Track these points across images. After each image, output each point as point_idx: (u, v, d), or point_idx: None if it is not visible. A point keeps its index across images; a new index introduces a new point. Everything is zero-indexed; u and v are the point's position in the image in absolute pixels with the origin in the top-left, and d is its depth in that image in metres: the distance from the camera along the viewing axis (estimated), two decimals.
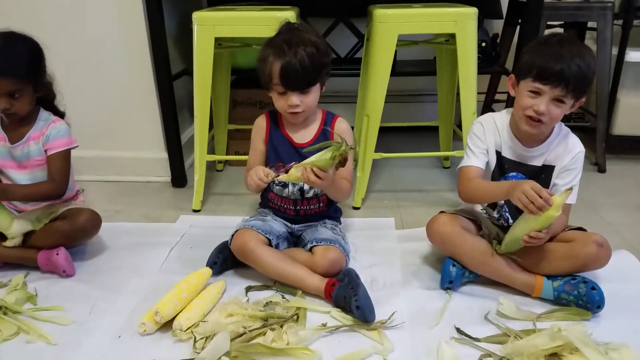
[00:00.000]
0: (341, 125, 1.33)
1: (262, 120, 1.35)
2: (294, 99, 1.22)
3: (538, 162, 1.22)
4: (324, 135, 1.31)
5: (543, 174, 1.22)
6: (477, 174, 1.23)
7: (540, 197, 1.04)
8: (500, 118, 1.26)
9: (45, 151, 1.33)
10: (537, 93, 1.12)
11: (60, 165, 1.33)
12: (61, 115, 1.40)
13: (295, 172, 1.17)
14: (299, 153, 1.29)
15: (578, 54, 1.09)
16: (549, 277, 1.18)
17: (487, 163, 1.25)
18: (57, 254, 1.29)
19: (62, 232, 1.30)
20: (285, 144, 1.32)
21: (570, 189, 1.09)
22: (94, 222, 1.36)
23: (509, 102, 2.13)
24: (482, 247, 1.21)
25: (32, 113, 1.33)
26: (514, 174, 1.23)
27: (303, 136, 1.32)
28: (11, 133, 1.33)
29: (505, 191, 1.13)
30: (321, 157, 1.14)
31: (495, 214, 1.29)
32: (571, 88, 1.10)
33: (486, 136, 1.25)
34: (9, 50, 1.23)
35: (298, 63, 1.17)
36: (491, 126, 1.25)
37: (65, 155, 1.35)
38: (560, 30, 2.09)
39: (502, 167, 1.24)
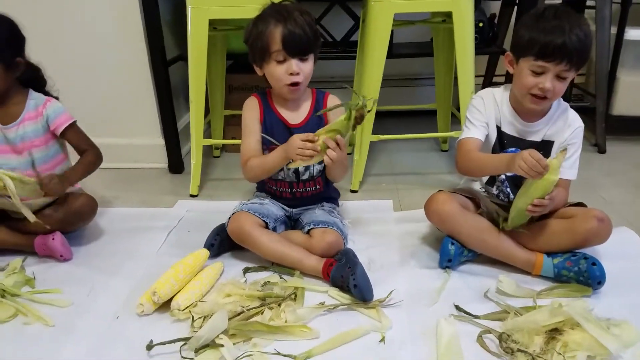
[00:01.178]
0: (334, 100, 1.31)
1: (253, 100, 1.31)
2: (295, 65, 1.19)
3: (537, 138, 1.21)
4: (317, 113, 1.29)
5: (542, 150, 1.20)
6: (476, 146, 1.21)
7: (539, 163, 1.04)
8: (500, 93, 1.24)
9: (53, 131, 1.33)
10: (540, 71, 1.11)
11: (81, 135, 1.38)
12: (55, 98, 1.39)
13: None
14: (292, 134, 1.27)
15: (577, 25, 1.07)
16: (549, 254, 1.18)
17: (487, 137, 1.23)
18: (53, 239, 1.29)
19: (58, 218, 1.30)
20: (279, 124, 1.29)
21: (565, 149, 1.07)
22: (90, 206, 1.36)
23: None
24: (481, 225, 1.20)
25: (20, 94, 1.32)
26: (513, 149, 1.22)
27: (296, 116, 1.30)
28: (3, 117, 1.32)
29: (505, 163, 1.11)
30: (336, 121, 1.13)
31: (494, 191, 1.28)
32: (575, 61, 1.08)
33: (486, 109, 1.23)
34: None
35: (299, 27, 1.17)
36: (491, 100, 1.24)
37: (75, 127, 1.37)
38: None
39: (502, 143, 1.23)
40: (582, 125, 1.21)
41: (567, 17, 1.09)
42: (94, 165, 1.38)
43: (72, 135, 1.37)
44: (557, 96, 1.15)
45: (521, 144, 1.21)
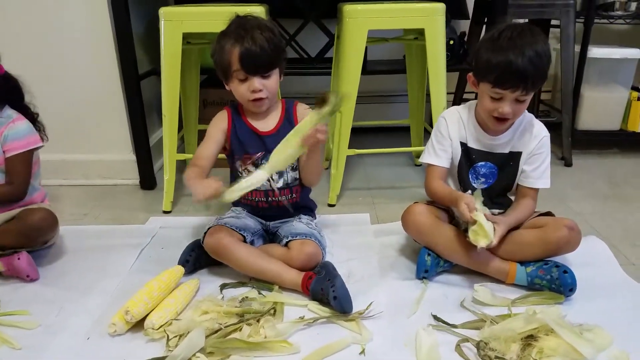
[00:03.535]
0: (302, 108, 1.31)
1: (223, 113, 1.31)
2: (257, 83, 1.20)
3: (505, 150, 1.24)
4: (288, 121, 1.29)
5: (511, 162, 1.24)
6: (440, 174, 1.27)
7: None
8: (466, 112, 1.27)
9: (4, 152, 1.26)
10: (498, 97, 1.13)
11: (19, 168, 1.27)
12: (31, 116, 1.34)
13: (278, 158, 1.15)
14: (264, 142, 1.27)
15: (531, 47, 1.08)
16: (522, 263, 1.20)
17: (452, 155, 1.27)
18: (19, 259, 1.23)
19: (16, 232, 1.25)
20: (250, 133, 1.28)
21: (479, 192, 1.17)
22: (48, 220, 1.30)
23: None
24: (455, 236, 1.22)
25: None
26: (483, 163, 1.25)
27: (266, 124, 1.29)
28: None
29: (453, 201, 1.19)
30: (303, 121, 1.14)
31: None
32: (531, 85, 1.11)
33: (449, 131, 1.26)
34: None
35: (257, 46, 1.16)
36: (455, 119, 1.27)
37: (25, 157, 1.28)
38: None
39: (470, 158, 1.26)
40: (548, 134, 1.24)
41: (521, 38, 1.09)
42: (0, 200, 1.26)
43: (12, 162, 1.26)
44: (517, 116, 1.18)
45: (490, 157, 1.25)
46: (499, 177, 1.26)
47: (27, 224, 1.26)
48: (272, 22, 1.28)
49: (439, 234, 1.21)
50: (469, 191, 1.24)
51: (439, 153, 1.26)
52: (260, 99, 1.22)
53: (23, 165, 1.28)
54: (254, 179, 1.15)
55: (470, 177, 1.27)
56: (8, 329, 1.07)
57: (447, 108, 1.64)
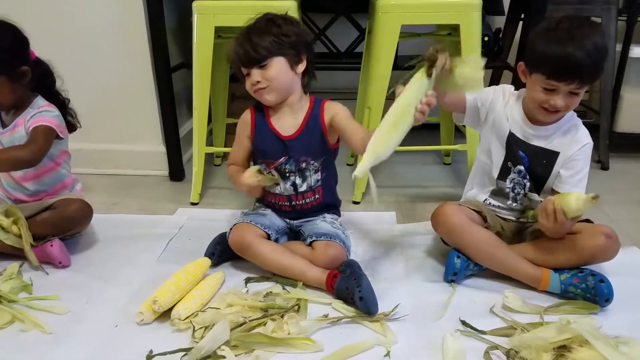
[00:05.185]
0: (331, 105, 1.27)
1: (247, 114, 1.31)
2: (254, 75, 1.20)
3: (543, 144, 1.19)
4: (313, 121, 1.26)
5: (544, 159, 1.19)
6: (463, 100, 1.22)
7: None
8: (513, 98, 1.23)
9: (28, 129, 1.26)
10: (551, 89, 1.10)
11: (37, 135, 1.24)
12: (62, 102, 1.36)
13: None
14: (285, 147, 1.26)
15: (590, 39, 1.05)
16: (555, 270, 1.16)
17: (499, 134, 1.22)
18: (52, 245, 1.26)
19: (51, 222, 1.28)
20: (272, 137, 1.27)
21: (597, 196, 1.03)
22: (84, 212, 1.32)
23: None
24: (488, 238, 1.18)
25: (26, 100, 1.30)
26: (519, 152, 1.21)
27: (290, 127, 1.27)
28: (5, 119, 1.31)
29: None
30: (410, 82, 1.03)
31: (508, 185, 1.24)
32: (587, 79, 1.07)
33: (495, 95, 1.23)
34: None
35: (246, 39, 1.19)
36: (502, 94, 1.23)
37: (46, 129, 1.25)
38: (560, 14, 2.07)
39: (510, 144, 1.21)
40: (591, 143, 1.20)
41: (580, 31, 1.06)
42: (14, 162, 1.21)
43: (33, 131, 1.24)
44: (569, 110, 1.14)
45: (524, 146, 1.20)
46: (527, 171, 1.21)
47: (62, 215, 1.28)
48: (290, 16, 1.28)
49: (470, 236, 1.18)
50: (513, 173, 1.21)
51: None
52: (260, 89, 1.22)
53: (42, 135, 1.25)
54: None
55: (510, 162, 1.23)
56: (39, 313, 1.10)
57: None
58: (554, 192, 1.20)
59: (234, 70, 1.29)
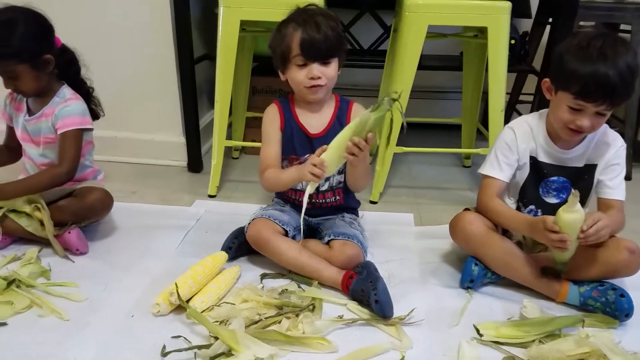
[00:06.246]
0: (359, 109, 1.26)
1: (274, 108, 1.29)
2: (315, 70, 1.17)
3: (579, 163, 1.17)
4: (339, 121, 1.26)
5: (586, 175, 1.17)
6: (499, 188, 1.21)
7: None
8: (536, 121, 1.20)
9: (56, 130, 1.29)
10: (578, 109, 1.07)
11: (68, 145, 1.28)
12: (86, 90, 1.37)
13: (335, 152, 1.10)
14: (311, 144, 1.25)
15: (623, 60, 1.01)
16: (575, 282, 1.14)
17: (518, 174, 1.21)
18: (69, 232, 1.27)
19: (71, 210, 1.29)
20: (300, 134, 1.27)
21: (577, 193, 1.01)
22: (104, 201, 1.33)
23: (535, 104, 2.08)
24: (507, 248, 1.17)
25: (52, 88, 1.31)
26: (555, 177, 1.19)
27: (317, 125, 1.26)
28: (33, 106, 1.33)
29: (526, 228, 1.12)
30: (366, 118, 1.07)
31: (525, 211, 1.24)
32: (617, 100, 1.04)
33: (518, 144, 1.19)
34: None
35: (319, 31, 1.15)
36: (525, 131, 1.20)
37: (75, 134, 1.29)
38: (590, 30, 2.03)
39: (540, 172, 1.19)
40: (625, 144, 1.17)
41: (613, 50, 1.02)
42: (49, 184, 1.27)
43: (63, 140, 1.28)
44: (594, 130, 1.11)
45: (563, 171, 1.18)
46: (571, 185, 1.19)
47: (83, 204, 1.29)
48: (334, 12, 1.25)
49: (490, 246, 1.16)
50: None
51: (503, 167, 1.19)
52: (318, 86, 1.19)
53: (73, 144, 1.29)
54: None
55: (540, 191, 1.21)
56: (57, 299, 1.11)
57: (503, 110, 1.59)
58: (599, 202, 1.18)
59: (277, 58, 1.22)
